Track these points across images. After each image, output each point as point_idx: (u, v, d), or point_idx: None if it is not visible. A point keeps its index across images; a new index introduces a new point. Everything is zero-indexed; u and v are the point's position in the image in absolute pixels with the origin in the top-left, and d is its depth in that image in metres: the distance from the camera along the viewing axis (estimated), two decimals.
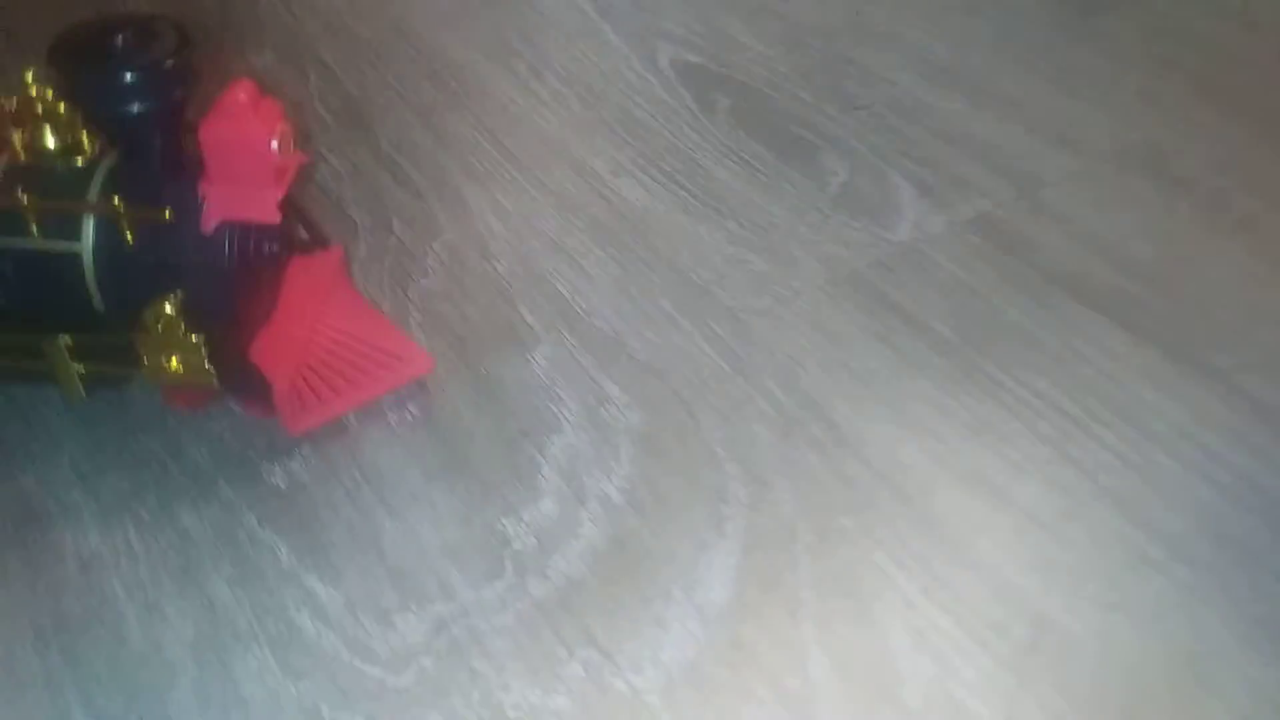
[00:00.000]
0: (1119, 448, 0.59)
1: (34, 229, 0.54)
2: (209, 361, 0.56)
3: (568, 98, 0.88)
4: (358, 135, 0.84)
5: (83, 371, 0.58)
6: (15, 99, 0.55)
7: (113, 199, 0.54)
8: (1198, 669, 0.50)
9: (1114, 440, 0.60)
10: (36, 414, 0.63)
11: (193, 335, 0.55)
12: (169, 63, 0.52)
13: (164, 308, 0.54)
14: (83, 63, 0.53)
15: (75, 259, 0.55)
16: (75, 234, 0.55)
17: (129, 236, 0.54)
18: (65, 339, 0.57)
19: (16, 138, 0.55)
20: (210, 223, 0.54)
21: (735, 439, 0.61)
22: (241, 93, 0.54)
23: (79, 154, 0.56)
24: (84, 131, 0.56)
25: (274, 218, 0.55)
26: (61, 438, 0.62)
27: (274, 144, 0.54)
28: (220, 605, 0.54)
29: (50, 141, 0.55)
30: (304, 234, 0.65)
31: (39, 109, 0.55)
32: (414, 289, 0.71)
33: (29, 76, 0.55)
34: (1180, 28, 0.93)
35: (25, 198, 0.53)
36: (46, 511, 0.59)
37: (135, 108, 0.53)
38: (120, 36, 0.53)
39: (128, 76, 0.52)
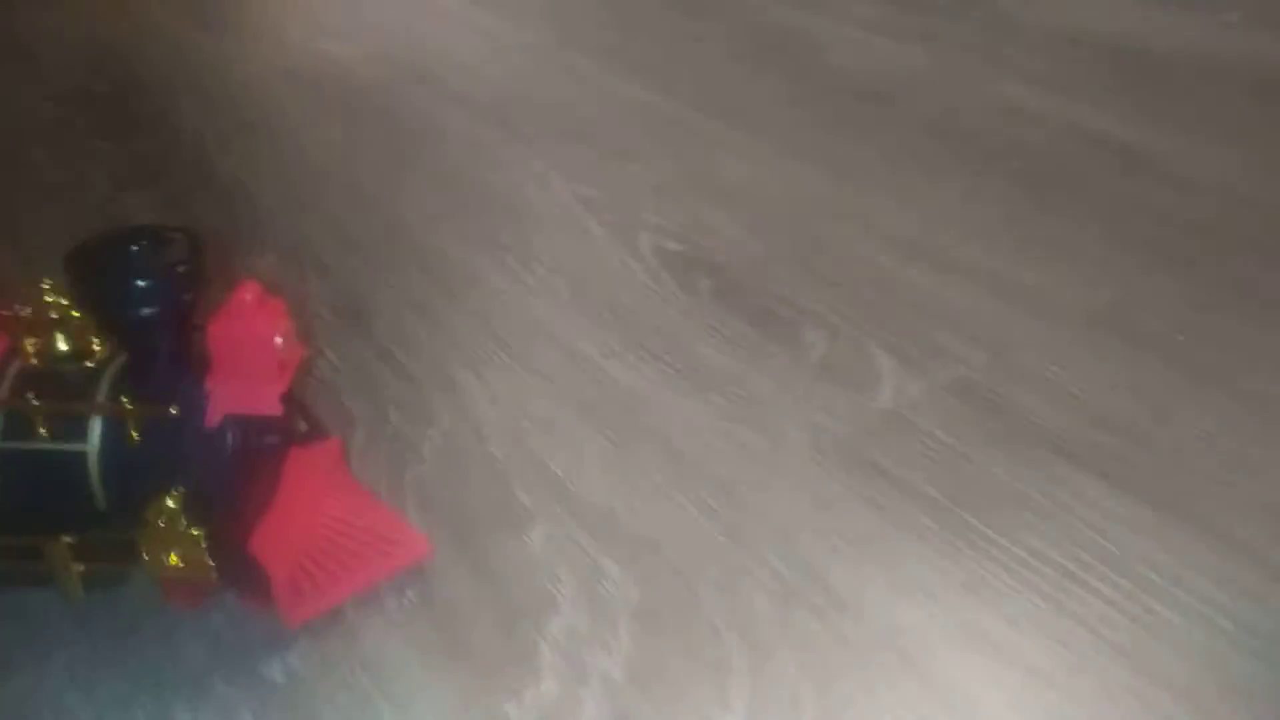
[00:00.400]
0: (1116, 599, 0.60)
1: (41, 430, 0.56)
2: (209, 555, 0.57)
3: (556, 285, 0.92)
4: (355, 329, 0.87)
5: (82, 570, 0.59)
6: (30, 308, 0.58)
7: (119, 399, 0.56)
8: None
9: (1110, 592, 0.60)
10: (32, 613, 0.63)
11: (194, 529, 0.56)
12: (182, 268, 0.55)
13: (167, 503, 0.55)
14: (101, 271, 0.56)
15: (81, 459, 0.56)
16: (82, 435, 0.56)
17: (134, 434, 0.56)
18: (66, 540, 0.57)
19: (29, 344, 0.57)
20: (215, 417, 0.56)
21: (734, 610, 0.61)
22: (248, 293, 0.57)
23: (88, 357, 0.58)
24: (94, 336, 0.58)
25: (276, 410, 0.57)
26: (57, 638, 0.62)
27: (279, 340, 0.57)
28: None
29: (62, 346, 0.58)
30: (303, 426, 0.67)
31: (53, 315, 0.57)
32: (410, 475, 0.72)
33: (46, 285, 0.58)
34: (1129, 198, 0.98)
35: (35, 401, 0.55)
36: (41, 718, 0.58)
37: (147, 311, 0.56)
38: (135, 245, 0.56)
39: (142, 283, 0.55)
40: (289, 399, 0.59)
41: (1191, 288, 0.85)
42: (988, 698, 0.55)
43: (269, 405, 0.56)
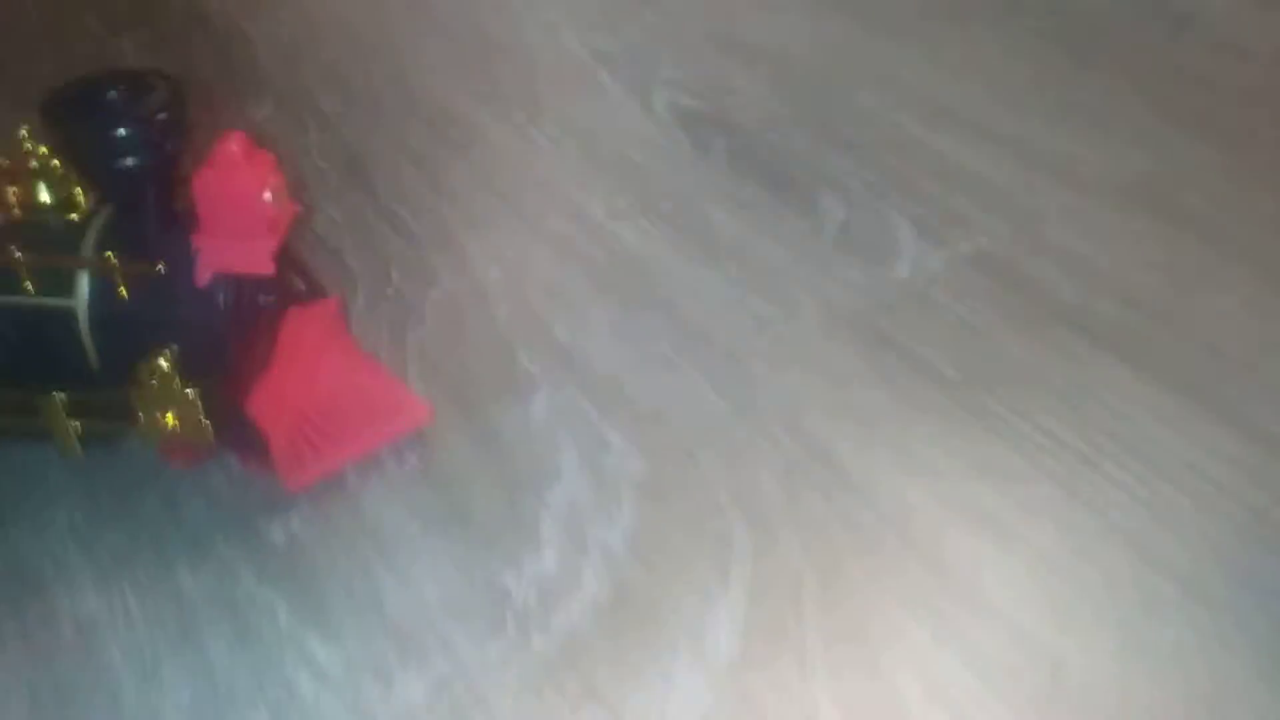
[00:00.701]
0: (1129, 485, 0.58)
1: (28, 285, 0.54)
2: (205, 416, 0.56)
3: (565, 144, 0.88)
4: (356, 185, 0.84)
5: (79, 428, 0.58)
6: (9, 157, 0.55)
7: (106, 254, 0.54)
8: (1217, 712, 0.49)
9: (1124, 477, 0.59)
10: (32, 471, 0.62)
11: (188, 390, 0.55)
12: (161, 117, 0.52)
13: (159, 362, 0.54)
14: (76, 118, 0.53)
15: (70, 315, 0.54)
16: (70, 290, 0.54)
17: (123, 291, 0.54)
18: (60, 395, 0.56)
19: (11, 193, 0.55)
20: (204, 276, 0.54)
21: (739, 485, 0.60)
22: (234, 144, 0.54)
23: (73, 209, 0.56)
24: (78, 187, 0.55)
25: (267, 269, 0.55)
26: (57, 495, 0.61)
27: (266, 195, 0.54)
28: (219, 669, 0.53)
29: (45, 197, 0.55)
30: (300, 285, 0.65)
31: (33, 165, 0.54)
32: (412, 338, 0.71)
33: (23, 132, 0.55)
34: (1174, 64, 0.93)
35: (19, 254, 0.53)
36: (42, 573, 0.58)
37: (128, 162, 0.53)
38: (113, 91, 0.53)
39: (121, 131, 0.52)
40: (283, 257, 0.57)
41: (1236, 162, 0.81)
42: (992, 582, 0.54)
43: (259, 263, 0.54)
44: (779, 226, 0.78)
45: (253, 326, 0.58)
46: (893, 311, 0.70)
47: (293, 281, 0.64)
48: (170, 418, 0.56)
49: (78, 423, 0.58)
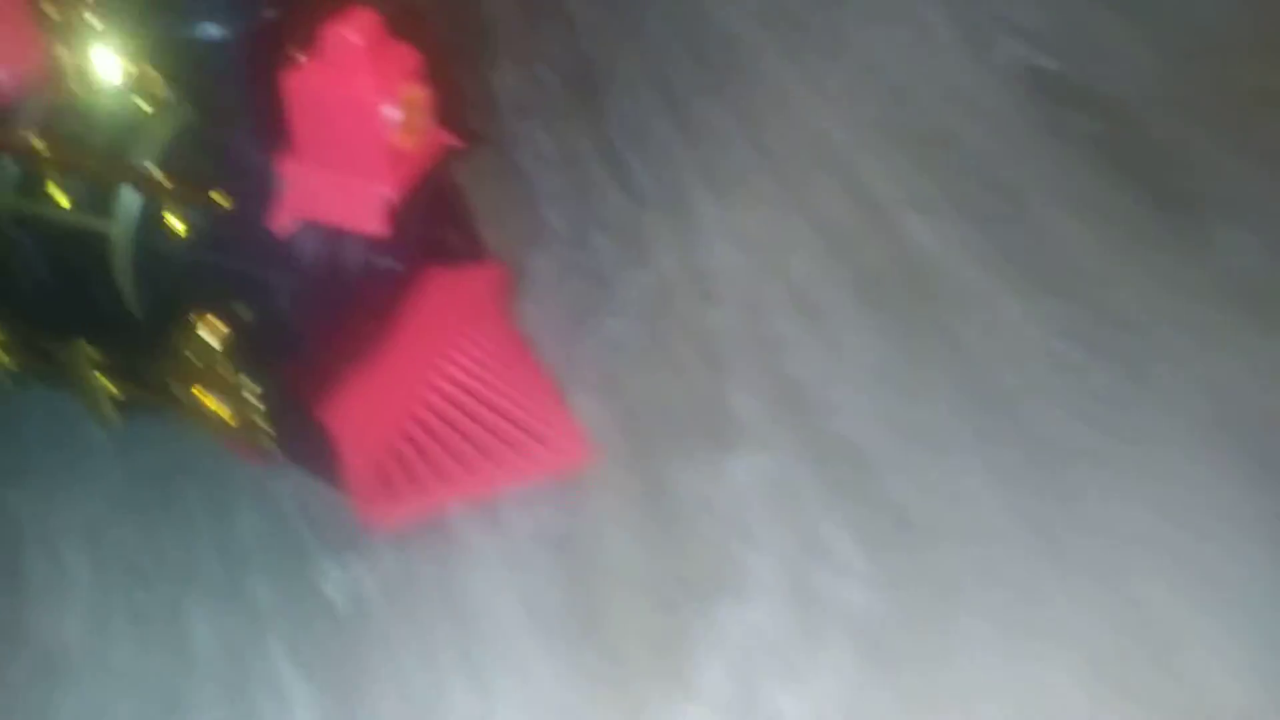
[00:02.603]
0: None
1: (57, 193, 0.39)
2: (263, 417, 0.39)
3: (862, 95, 0.66)
4: (582, 111, 0.66)
5: (118, 395, 0.43)
6: (57, 3, 0.39)
7: (158, 170, 0.38)
8: None
9: None
10: (76, 435, 0.48)
11: (241, 376, 0.38)
12: None
13: (201, 334, 0.37)
14: None
15: (103, 242, 0.39)
16: (109, 208, 0.39)
17: (177, 224, 0.38)
18: (89, 349, 0.41)
19: (60, 56, 0.39)
20: (284, 221, 0.37)
21: (1039, 674, 0.37)
22: (352, 29, 0.36)
23: (147, 98, 0.40)
24: (146, 69, 0.39)
25: (376, 225, 0.37)
26: (90, 472, 0.47)
27: (392, 112, 0.36)
28: None
29: (102, 70, 0.39)
30: (451, 238, 0.47)
31: (88, 18, 0.39)
32: (596, 333, 0.52)
33: None
34: None
35: (39, 142, 0.38)
36: (34, 580, 0.44)
37: (209, 30, 0.36)
38: None
39: None
40: (423, 203, 0.39)
41: None
42: None
43: (366, 217, 0.36)
44: (1151, 259, 0.53)
45: (350, 299, 0.40)
46: None
47: (441, 233, 0.46)
48: (217, 406, 0.39)
49: (116, 388, 0.43)
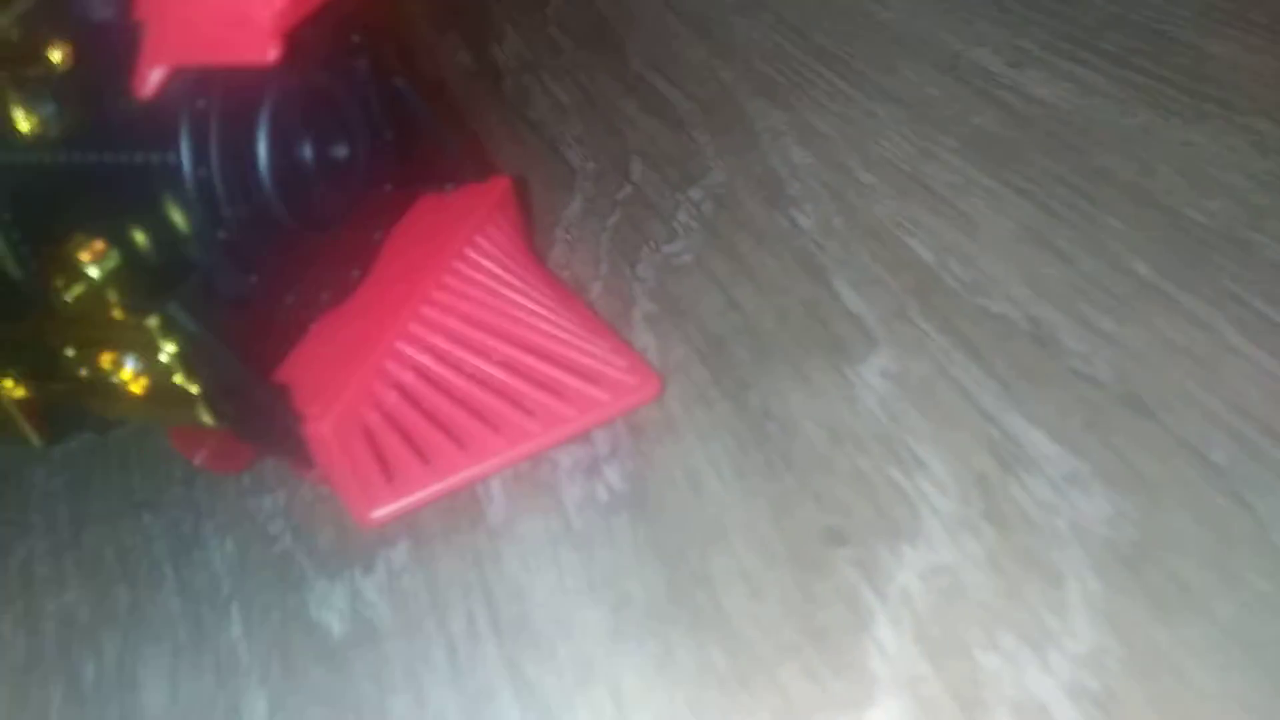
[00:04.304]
0: None
1: None
2: (189, 379, 0.28)
3: None
4: (600, 58, 0.55)
5: (28, 396, 0.32)
6: None
7: None
8: None
9: None
10: (14, 483, 0.38)
11: (145, 319, 0.27)
12: None
13: (79, 257, 0.26)
14: None
15: None
16: None
17: (23, 118, 0.27)
18: None
19: None
20: (146, 76, 0.26)
21: None
22: None
23: None
24: None
25: (268, 53, 0.25)
26: (32, 525, 0.36)
27: None
28: None
29: None
30: (450, 149, 0.36)
31: None
32: (648, 261, 0.40)
33: None
34: None
35: None
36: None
37: None
38: None
39: None
40: (331, 30, 0.28)
41: None
42: None
43: (251, 44, 0.25)
44: None
45: (299, 202, 0.29)
46: None
47: (437, 142, 0.35)
48: (127, 373, 0.28)
49: (18, 386, 0.32)
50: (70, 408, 0.32)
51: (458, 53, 0.58)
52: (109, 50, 0.26)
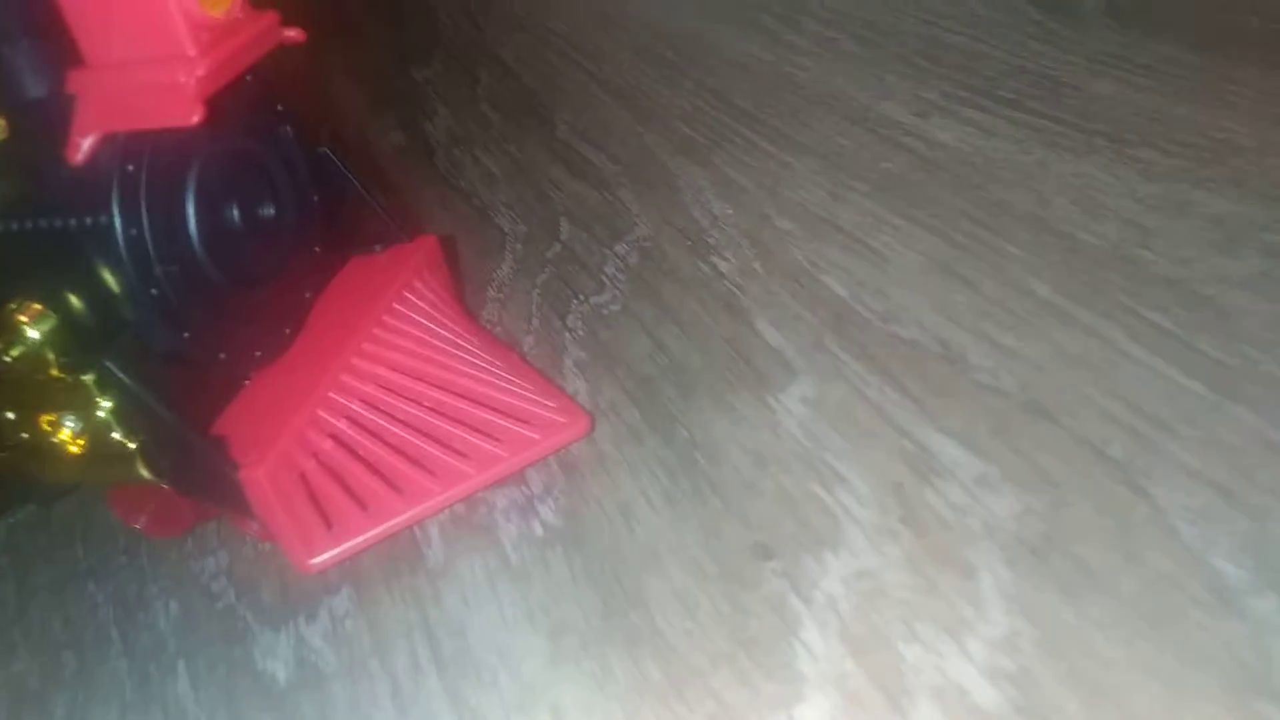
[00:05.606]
0: None
1: None
2: (126, 434, 0.28)
3: (836, 41, 0.58)
4: (527, 129, 0.57)
5: None
6: None
7: None
8: None
9: None
10: None
11: (81, 374, 0.28)
12: None
13: (18, 320, 0.27)
14: None
15: None
16: None
17: None
18: None
19: None
20: (79, 143, 0.27)
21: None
22: None
23: None
24: None
25: (189, 114, 0.27)
26: None
27: None
28: None
29: None
30: (377, 209, 0.38)
31: None
32: (577, 313, 0.41)
33: None
34: None
35: None
36: None
37: None
38: None
39: None
40: (252, 94, 0.30)
41: None
42: None
43: (175, 105, 0.27)
44: (1223, 90, 0.43)
45: (229, 261, 0.30)
46: None
47: (364, 206, 0.37)
48: (66, 434, 0.29)
49: None
50: (13, 478, 0.32)
51: (391, 132, 0.60)
52: (43, 123, 0.27)
